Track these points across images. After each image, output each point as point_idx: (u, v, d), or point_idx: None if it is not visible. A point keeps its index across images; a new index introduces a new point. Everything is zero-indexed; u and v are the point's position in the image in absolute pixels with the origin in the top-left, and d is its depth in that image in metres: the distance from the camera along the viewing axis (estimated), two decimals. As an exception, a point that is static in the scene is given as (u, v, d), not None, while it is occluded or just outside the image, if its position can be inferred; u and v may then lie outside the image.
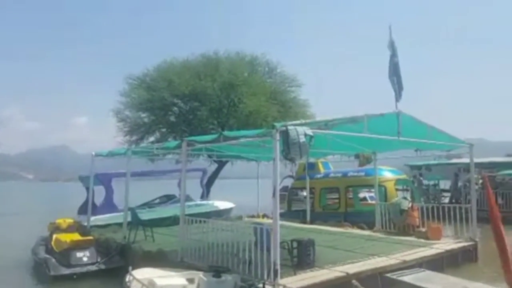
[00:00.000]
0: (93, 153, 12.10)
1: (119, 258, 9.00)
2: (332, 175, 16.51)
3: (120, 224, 10.93)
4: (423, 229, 10.12)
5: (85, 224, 12.05)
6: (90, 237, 9.74)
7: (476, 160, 11.21)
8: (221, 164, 20.19)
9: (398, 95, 8.16)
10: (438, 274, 7.05)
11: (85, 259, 8.69)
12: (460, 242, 9.35)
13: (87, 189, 13.26)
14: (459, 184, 20.95)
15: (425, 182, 22.03)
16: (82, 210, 13.46)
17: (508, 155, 28.72)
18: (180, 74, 19.60)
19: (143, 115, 20.67)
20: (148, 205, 15.21)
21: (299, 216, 14.49)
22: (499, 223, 5.21)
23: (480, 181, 18.43)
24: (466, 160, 12.78)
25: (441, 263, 8.16)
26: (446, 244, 9.12)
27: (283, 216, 14.14)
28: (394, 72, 8.25)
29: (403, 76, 8.39)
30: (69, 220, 11.72)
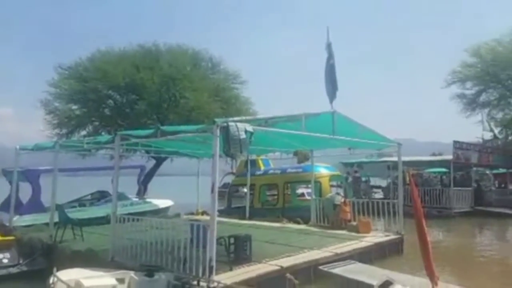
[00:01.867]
0: (18, 146, 11.21)
1: (43, 260, 8.45)
2: (271, 171, 16.80)
3: (47, 224, 10.24)
4: (354, 223, 10.62)
5: (7, 223, 11.13)
6: (11, 237, 9.03)
7: (404, 158, 11.99)
8: (159, 160, 19.62)
9: (332, 96, 8.48)
10: (366, 266, 7.42)
11: (5, 260, 8.11)
12: (388, 235, 9.93)
13: (11, 183, 12.27)
14: (388, 181, 22.27)
15: (363, 179, 22.98)
16: (4, 206, 12.42)
17: (434, 155, 31.16)
18: (116, 64, 18.64)
19: (74, 107, 19.42)
20: (79, 201, 14.40)
21: (239, 212, 14.57)
22: (422, 219, 5.59)
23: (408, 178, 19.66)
24: (395, 158, 13.60)
25: (369, 255, 8.60)
26: (375, 237, 9.64)
27: (222, 212, 14.17)
28: (330, 74, 8.56)
29: (339, 76, 8.74)
30: (-12, 220, 10.80)
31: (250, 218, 13.57)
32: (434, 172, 23.41)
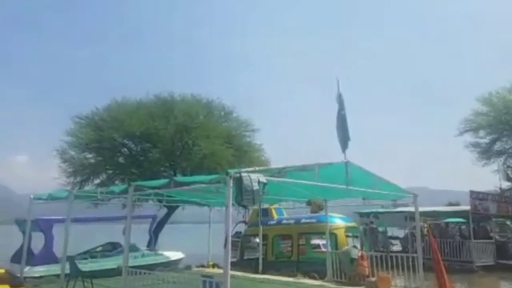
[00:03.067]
0: (32, 196, 11.28)
1: None
2: (285, 221, 16.42)
3: (58, 276, 10.06)
4: (373, 279, 10.15)
5: (18, 274, 10.96)
6: None
7: (421, 209, 11.65)
8: (171, 209, 19.51)
9: (344, 145, 8.48)
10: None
11: None
12: (408, 291, 9.46)
13: (24, 233, 12.21)
14: (406, 231, 21.51)
15: (380, 229, 22.23)
16: (16, 258, 12.29)
17: (450, 204, 30.31)
18: (132, 114, 19.18)
19: (89, 155, 19.80)
20: (90, 253, 14.21)
21: (251, 265, 14.12)
22: (443, 272, 5.36)
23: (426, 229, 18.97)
24: (411, 208, 13.26)
25: (390, 314, 8.15)
26: (395, 294, 9.18)
27: (235, 265, 13.70)
28: (341, 125, 8.62)
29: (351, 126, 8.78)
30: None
31: (263, 272, 13.09)
32: (452, 222, 22.66)
